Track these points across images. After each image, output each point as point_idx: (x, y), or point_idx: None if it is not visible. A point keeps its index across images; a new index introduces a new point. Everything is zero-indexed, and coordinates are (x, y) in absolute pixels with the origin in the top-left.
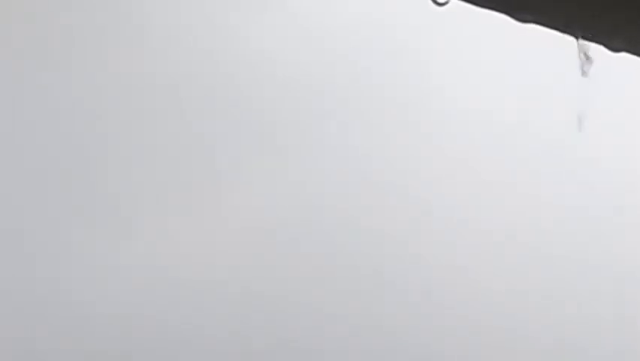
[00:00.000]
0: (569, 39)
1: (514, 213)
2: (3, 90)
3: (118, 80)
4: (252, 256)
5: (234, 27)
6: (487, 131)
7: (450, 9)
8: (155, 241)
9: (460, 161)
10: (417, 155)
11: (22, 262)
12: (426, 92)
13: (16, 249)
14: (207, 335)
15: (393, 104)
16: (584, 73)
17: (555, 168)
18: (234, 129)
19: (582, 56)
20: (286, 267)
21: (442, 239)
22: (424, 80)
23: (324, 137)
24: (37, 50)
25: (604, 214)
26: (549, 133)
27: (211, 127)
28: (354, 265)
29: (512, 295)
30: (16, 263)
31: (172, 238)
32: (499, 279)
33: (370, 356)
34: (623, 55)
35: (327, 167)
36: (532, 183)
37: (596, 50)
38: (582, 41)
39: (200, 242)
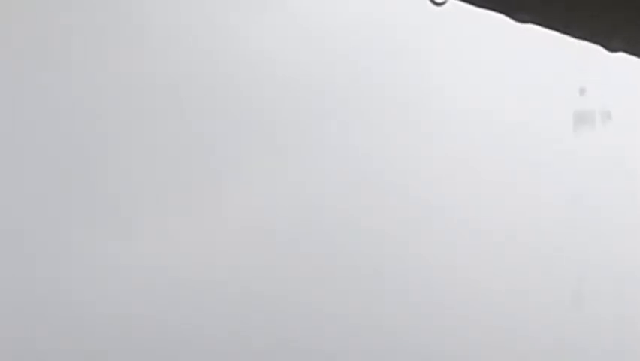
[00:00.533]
0: (568, 39)
1: (514, 213)
2: (2, 90)
3: (117, 80)
4: (252, 256)
5: (234, 27)
6: (486, 131)
7: (447, 9)
8: (155, 241)
9: (459, 161)
10: (416, 154)
11: (20, 262)
12: (425, 91)
13: (15, 249)
14: (207, 335)
15: (392, 103)
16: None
17: (555, 167)
18: (234, 129)
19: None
20: (286, 267)
21: (442, 239)
22: (423, 80)
23: (324, 137)
24: (36, 50)
25: (604, 214)
26: (548, 133)
27: (211, 127)
28: (354, 265)
29: (512, 295)
30: (14, 263)
31: (172, 238)
32: (499, 279)
33: (370, 356)
34: (621, 55)
35: (327, 167)
36: (532, 183)
37: (596, 50)
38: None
39: (200, 242)
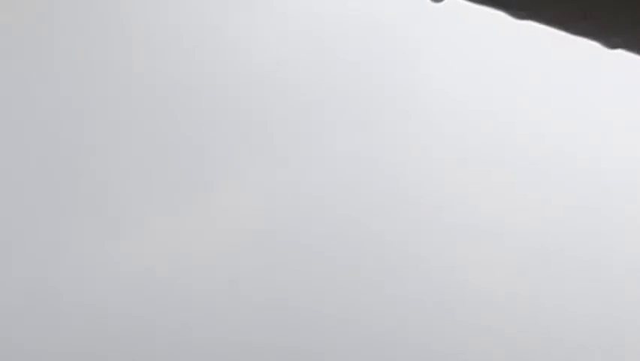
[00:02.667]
0: (566, 36)
1: (514, 212)
2: None
3: (108, 79)
4: (244, 257)
5: (226, 24)
6: (484, 129)
7: (446, 5)
8: (145, 241)
9: (455, 160)
10: (413, 153)
11: (6, 263)
12: (422, 89)
13: (1, 248)
14: (197, 337)
15: (387, 100)
16: None
17: (553, 166)
18: (227, 128)
19: None
20: (280, 268)
21: (442, 239)
22: (420, 77)
23: (320, 136)
24: (28, 49)
25: (604, 214)
26: (545, 132)
27: (203, 126)
28: (350, 266)
29: (512, 296)
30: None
31: (162, 239)
32: (499, 278)
33: (370, 357)
34: (620, 52)
35: (323, 167)
36: (530, 183)
37: (595, 47)
38: None
39: (192, 242)
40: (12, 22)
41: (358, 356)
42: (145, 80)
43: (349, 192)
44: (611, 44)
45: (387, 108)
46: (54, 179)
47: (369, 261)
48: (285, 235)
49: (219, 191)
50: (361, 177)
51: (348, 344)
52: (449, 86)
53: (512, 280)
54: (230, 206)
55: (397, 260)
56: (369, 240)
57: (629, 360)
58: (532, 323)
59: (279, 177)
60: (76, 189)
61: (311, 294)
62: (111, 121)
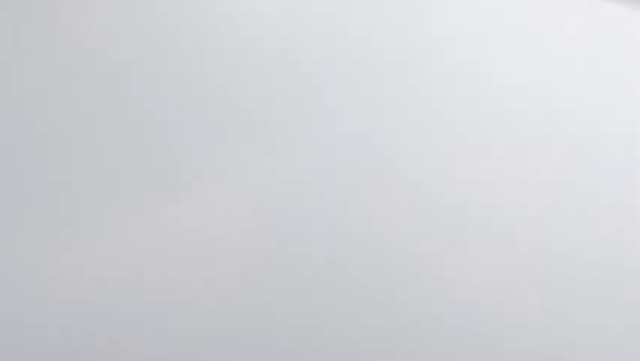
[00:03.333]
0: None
1: (515, 210)
2: None
3: (101, 77)
4: (241, 254)
5: (220, 15)
6: (494, 124)
7: None
8: (134, 238)
9: (464, 158)
10: (415, 144)
11: None
12: (426, 79)
13: None
14: (189, 341)
15: (389, 90)
16: None
17: (561, 163)
18: (221, 122)
19: None
20: (275, 268)
21: (443, 238)
22: (428, 64)
23: (315, 127)
24: (15, 44)
25: (609, 209)
26: (559, 123)
27: (195, 119)
28: (349, 264)
29: (512, 295)
30: None
31: (153, 236)
32: (500, 277)
33: (368, 357)
34: None
35: (319, 161)
36: (538, 181)
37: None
38: None
39: (184, 239)
40: (10, 21)
41: (356, 357)
42: (137, 75)
43: (347, 185)
44: None
45: (387, 105)
46: (23, 176)
47: (369, 259)
48: (281, 232)
49: (213, 186)
50: (361, 169)
51: (345, 343)
52: (462, 68)
53: (512, 280)
54: (223, 201)
55: (398, 259)
56: (368, 239)
57: (629, 360)
58: (533, 322)
59: (278, 177)
60: (53, 187)
61: (311, 294)
62: (104, 120)
